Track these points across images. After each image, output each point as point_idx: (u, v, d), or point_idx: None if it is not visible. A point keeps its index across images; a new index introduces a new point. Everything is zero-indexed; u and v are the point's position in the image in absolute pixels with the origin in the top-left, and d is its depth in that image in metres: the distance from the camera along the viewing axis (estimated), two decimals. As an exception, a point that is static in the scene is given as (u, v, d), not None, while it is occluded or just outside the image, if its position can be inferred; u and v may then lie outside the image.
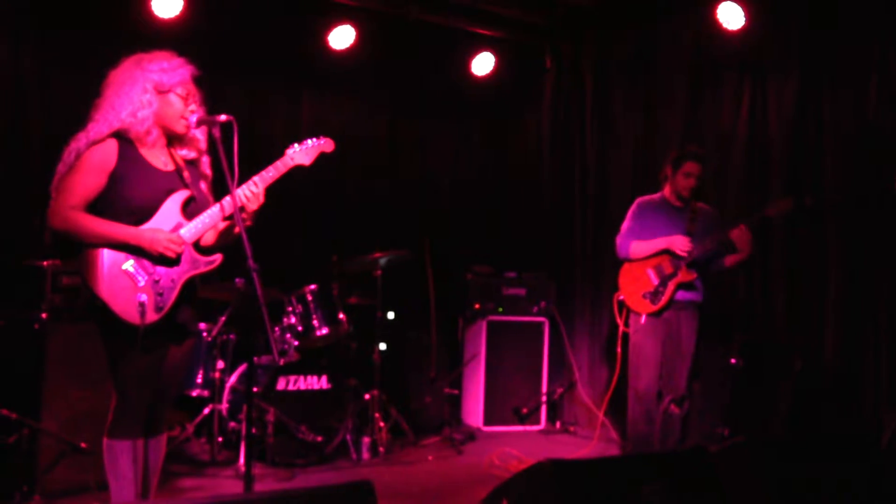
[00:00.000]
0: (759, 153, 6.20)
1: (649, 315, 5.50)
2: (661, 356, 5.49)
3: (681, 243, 5.41)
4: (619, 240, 5.71)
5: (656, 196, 5.69)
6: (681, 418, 5.53)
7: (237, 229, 3.74)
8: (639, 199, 5.76)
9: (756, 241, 5.32)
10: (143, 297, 3.42)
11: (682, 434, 5.63)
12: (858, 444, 4.25)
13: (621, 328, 5.72)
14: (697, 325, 5.53)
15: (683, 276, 5.41)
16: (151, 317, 3.45)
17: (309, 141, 3.91)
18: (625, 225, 5.72)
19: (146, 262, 3.48)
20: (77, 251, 3.46)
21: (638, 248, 5.59)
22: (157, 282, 3.49)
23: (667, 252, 5.47)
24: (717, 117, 6.55)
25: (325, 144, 3.97)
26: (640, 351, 5.52)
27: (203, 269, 3.64)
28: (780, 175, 6.06)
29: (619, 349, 5.79)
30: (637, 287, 5.56)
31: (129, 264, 3.45)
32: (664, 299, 5.44)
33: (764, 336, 6.07)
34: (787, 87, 6.01)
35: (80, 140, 3.51)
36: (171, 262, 3.53)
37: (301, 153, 3.88)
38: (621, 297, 5.67)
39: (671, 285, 5.43)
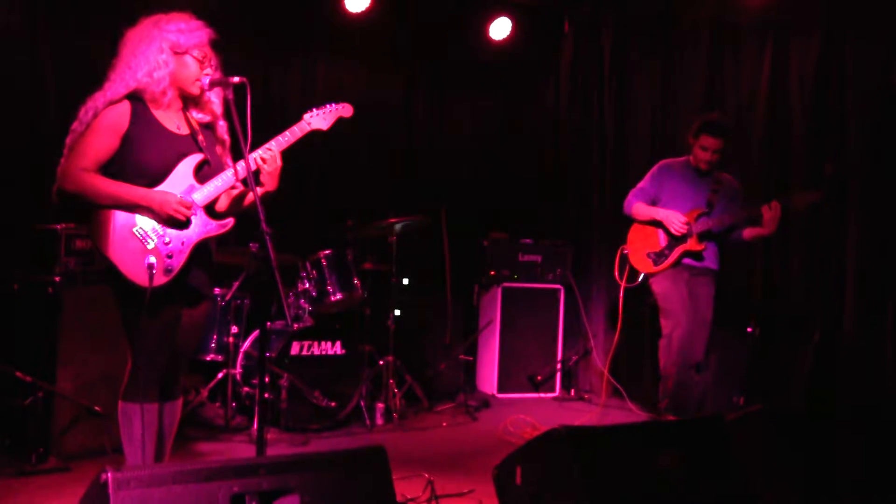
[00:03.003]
0: (781, 115, 6.12)
1: (647, 275, 5.49)
2: (688, 301, 5.42)
3: (677, 224, 5.37)
4: (629, 195, 5.72)
5: (681, 160, 5.63)
6: (699, 386, 5.49)
7: (248, 199, 3.73)
8: (661, 162, 5.72)
9: (782, 224, 5.23)
10: (152, 260, 3.40)
11: (700, 402, 5.60)
12: (874, 414, 4.23)
13: (622, 284, 5.68)
14: (714, 293, 5.48)
15: (692, 244, 5.38)
16: (160, 279, 3.42)
17: (327, 105, 3.87)
18: (640, 183, 5.71)
19: (156, 225, 3.46)
20: (85, 212, 3.45)
21: (640, 209, 5.61)
22: (167, 244, 3.47)
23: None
24: (738, 80, 6.47)
25: (344, 109, 3.93)
26: (668, 299, 5.47)
27: (215, 233, 3.61)
28: (801, 138, 5.98)
29: (620, 307, 5.75)
30: (644, 245, 5.56)
31: (139, 227, 3.43)
32: (666, 262, 5.42)
33: (782, 305, 6.03)
34: (810, 46, 5.91)
35: (98, 99, 3.49)
36: (182, 224, 3.51)
37: (318, 118, 3.84)
38: (626, 252, 5.66)
39: (677, 251, 5.40)
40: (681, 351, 5.40)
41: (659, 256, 5.46)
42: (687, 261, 5.44)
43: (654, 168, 5.70)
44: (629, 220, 5.75)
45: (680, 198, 5.51)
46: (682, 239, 5.40)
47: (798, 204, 5.14)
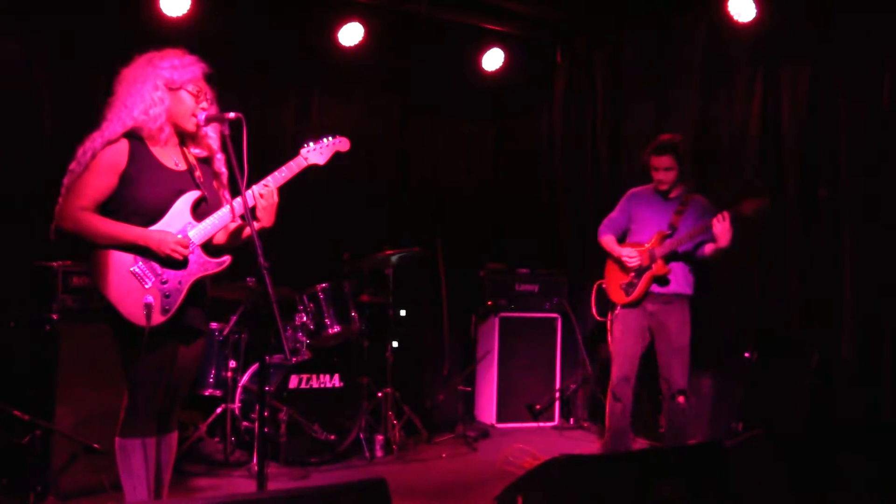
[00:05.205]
0: (773, 145, 6.16)
1: (623, 306, 5.48)
2: (637, 349, 5.44)
3: (628, 258, 5.42)
4: (601, 225, 5.77)
5: (649, 186, 5.64)
6: (690, 413, 5.44)
7: (245, 232, 3.75)
8: (630, 190, 5.77)
9: (736, 235, 5.16)
10: (150, 299, 3.41)
11: (693, 429, 5.57)
12: (876, 437, 4.21)
13: (600, 318, 5.68)
14: (688, 317, 5.43)
15: (658, 268, 5.36)
16: (157, 319, 3.44)
17: (324, 140, 3.89)
18: (611, 213, 5.76)
19: (154, 264, 3.48)
20: (83, 250, 3.46)
21: (607, 242, 5.67)
22: (164, 283, 3.48)
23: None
24: (730, 110, 6.51)
25: (341, 144, 3.94)
26: (615, 342, 5.51)
27: (212, 271, 3.63)
28: (794, 168, 6.01)
29: (609, 339, 5.73)
30: (617, 277, 5.56)
31: (137, 266, 3.45)
32: (637, 292, 5.40)
33: (779, 329, 6.03)
34: (801, 77, 5.97)
35: (96, 140, 3.52)
36: (179, 264, 3.52)
37: (315, 152, 3.85)
38: (603, 285, 5.67)
39: (645, 278, 5.39)
40: (612, 393, 5.47)
41: (629, 286, 5.45)
42: (655, 288, 5.41)
43: (624, 197, 5.75)
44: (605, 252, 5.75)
45: (647, 223, 5.53)
46: (647, 266, 5.39)
47: (747, 211, 5.12)
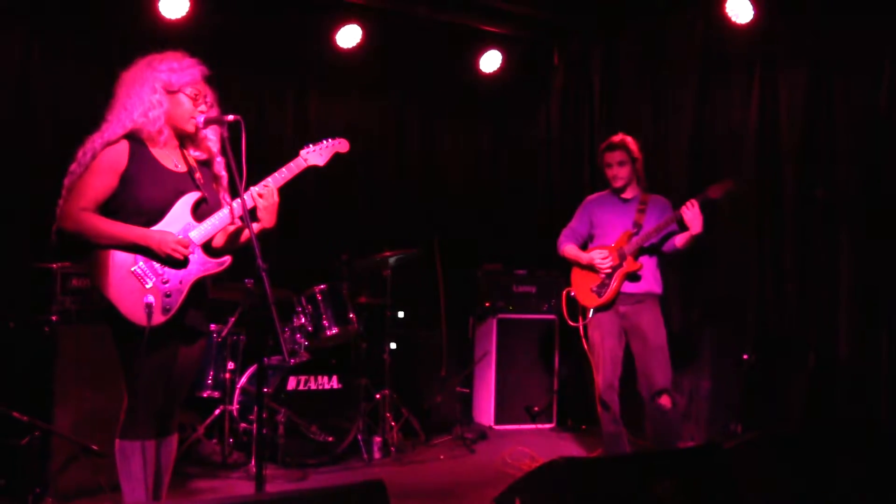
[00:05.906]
0: (770, 146, 6.16)
1: (596, 309, 5.41)
2: (618, 352, 5.38)
3: (600, 259, 5.37)
4: (560, 235, 5.68)
5: (605, 191, 5.62)
6: (675, 413, 5.40)
7: (244, 235, 3.75)
8: (587, 198, 5.72)
9: (706, 222, 5.15)
10: (150, 299, 3.42)
11: (690, 430, 5.54)
12: (873, 439, 4.23)
13: (574, 324, 5.58)
14: (661, 316, 5.38)
15: (629, 265, 5.31)
16: (158, 318, 3.44)
17: (324, 141, 3.90)
18: (570, 222, 5.69)
19: (155, 264, 3.48)
20: (84, 252, 3.47)
21: (569, 251, 5.58)
22: (165, 283, 3.48)
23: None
24: (728, 111, 6.52)
25: (340, 145, 3.95)
26: (593, 348, 5.43)
27: (213, 271, 3.63)
28: (791, 169, 6.02)
29: (585, 345, 5.66)
30: (586, 281, 5.46)
31: (138, 266, 3.45)
32: (611, 292, 5.33)
33: (776, 331, 6.03)
34: (798, 79, 5.98)
35: (96, 141, 3.53)
36: (180, 264, 3.52)
37: (315, 154, 3.86)
38: (572, 293, 5.58)
39: (618, 276, 5.32)
40: (599, 401, 5.41)
41: (601, 287, 5.38)
42: (626, 288, 5.38)
43: (580, 206, 5.70)
44: (568, 262, 5.66)
45: (610, 226, 5.48)
46: (618, 265, 5.35)
47: (714, 195, 5.12)
